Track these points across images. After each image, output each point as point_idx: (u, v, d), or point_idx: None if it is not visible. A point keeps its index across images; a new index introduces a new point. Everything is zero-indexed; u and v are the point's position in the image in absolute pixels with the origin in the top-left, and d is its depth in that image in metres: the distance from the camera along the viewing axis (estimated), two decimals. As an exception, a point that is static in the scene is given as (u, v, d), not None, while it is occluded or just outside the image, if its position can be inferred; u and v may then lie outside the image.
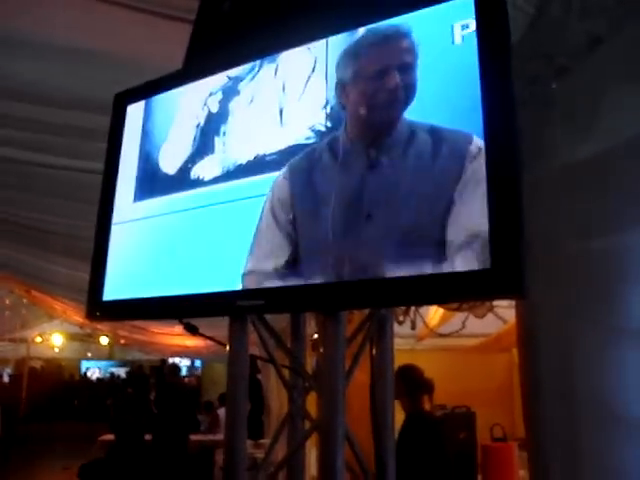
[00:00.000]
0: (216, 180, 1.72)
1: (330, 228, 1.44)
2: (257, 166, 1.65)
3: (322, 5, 1.70)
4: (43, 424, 13.87)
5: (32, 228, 4.09)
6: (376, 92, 1.47)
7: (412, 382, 3.66)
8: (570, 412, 1.44)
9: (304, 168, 1.55)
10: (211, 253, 1.69)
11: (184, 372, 12.84)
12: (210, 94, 1.80)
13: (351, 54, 1.54)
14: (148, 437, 6.90)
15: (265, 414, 6.54)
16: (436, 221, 1.27)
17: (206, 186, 1.74)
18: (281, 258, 1.52)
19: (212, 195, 1.72)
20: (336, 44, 1.59)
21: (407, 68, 1.43)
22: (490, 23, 1.35)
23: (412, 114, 1.40)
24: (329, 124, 1.55)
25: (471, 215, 1.22)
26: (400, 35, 1.46)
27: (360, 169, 1.45)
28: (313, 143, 1.56)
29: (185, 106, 1.88)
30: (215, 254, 1.68)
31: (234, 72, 1.77)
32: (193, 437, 7.24)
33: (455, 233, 1.24)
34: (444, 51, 1.41)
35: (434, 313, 5.14)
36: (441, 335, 5.16)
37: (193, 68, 1.90)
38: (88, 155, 2.72)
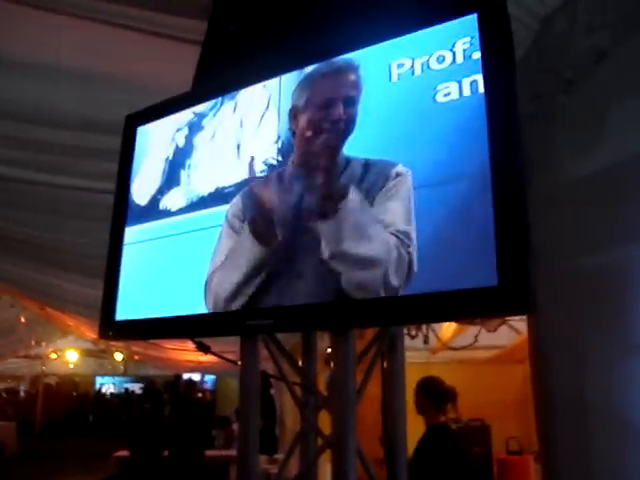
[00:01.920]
0: (181, 211, 1.83)
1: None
2: (216, 198, 1.76)
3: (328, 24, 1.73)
4: (58, 440, 13.89)
5: (44, 246, 4.13)
6: (321, 121, 1.58)
7: (436, 393, 3.66)
8: (582, 426, 1.43)
9: (257, 189, 1.69)
10: (179, 279, 1.78)
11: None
12: (178, 129, 1.92)
13: (306, 82, 1.65)
14: (163, 453, 6.90)
15: (279, 429, 6.53)
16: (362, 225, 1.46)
17: (172, 216, 1.85)
18: None
19: (177, 225, 1.83)
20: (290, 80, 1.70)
21: (351, 102, 1.54)
22: (494, 40, 1.37)
23: (350, 149, 1.53)
24: (280, 158, 1.66)
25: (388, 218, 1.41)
26: (350, 68, 1.57)
27: (300, 190, 1.57)
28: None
29: (156, 140, 1.98)
30: (182, 280, 1.77)
31: (199, 108, 1.88)
32: (209, 452, 7.21)
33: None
34: (382, 88, 1.52)
35: (447, 327, 5.12)
36: (454, 348, 5.14)
37: (200, 90, 1.94)
38: (97, 175, 2.75)
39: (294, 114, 1.65)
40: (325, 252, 1.47)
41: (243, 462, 1.67)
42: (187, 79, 1.98)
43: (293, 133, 1.65)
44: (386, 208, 1.42)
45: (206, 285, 1.69)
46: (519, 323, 4.98)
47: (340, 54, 1.61)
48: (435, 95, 1.42)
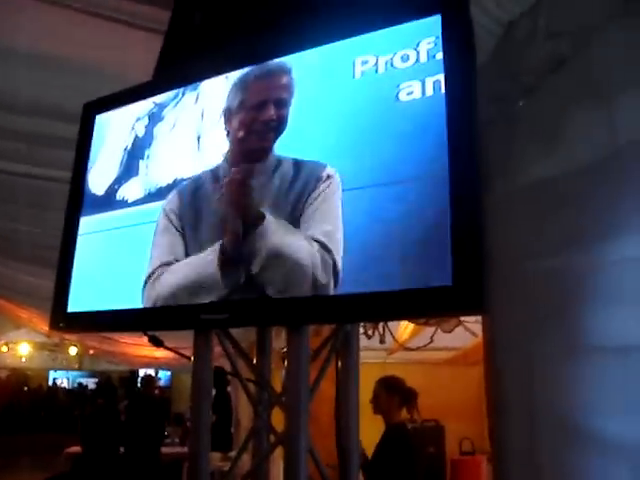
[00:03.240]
0: (138, 202, 1.80)
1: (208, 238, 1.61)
2: (174, 189, 1.74)
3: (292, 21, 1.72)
4: (7, 436, 13.54)
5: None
6: (253, 122, 1.62)
7: (403, 392, 3.69)
8: (531, 427, 1.45)
9: (191, 189, 1.70)
10: (133, 271, 1.74)
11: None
12: (138, 119, 1.89)
13: (240, 84, 1.68)
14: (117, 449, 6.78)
15: (234, 427, 6.50)
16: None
17: (129, 207, 1.82)
18: (179, 252, 1.65)
19: (134, 216, 1.80)
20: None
21: (282, 103, 1.58)
22: (456, 42, 1.38)
23: (280, 149, 1.56)
24: None
25: (315, 221, 1.43)
26: (282, 71, 1.62)
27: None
28: None
29: (115, 129, 1.94)
30: (137, 273, 1.73)
31: (160, 98, 1.86)
32: (163, 450, 7.12)
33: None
34: (345, 85, 1.52)
35: (404, 328, 5.15)
36: (409, 349, 5.18)
37: (162, 80, 1.91)
38: (52, 163, 2.69)
39: (228, 115, 1.68)
40: (255, 267, 1.48)
41: (194, 459, 1.65)
42: (148, 69, 1.94)
43: (227, 133, 1.67)
44: (316, 212, 1.45)
45: (146, 281, 1.68)
46: (475, 325, 5.03)
47: (294, 52, 1.63)
48: (398, 93, 1.42)
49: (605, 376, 1.29)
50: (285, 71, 1.61)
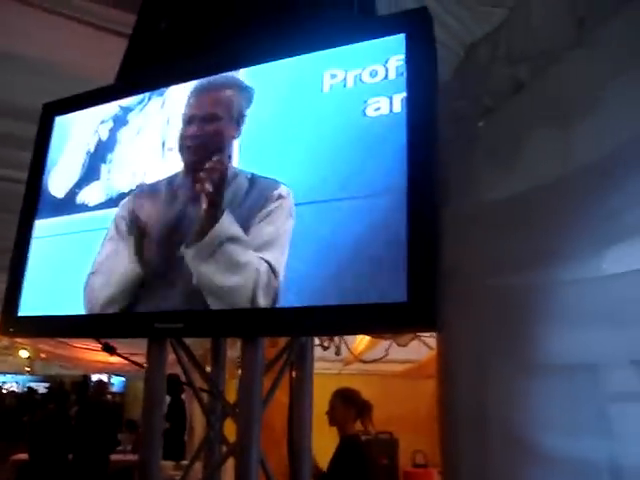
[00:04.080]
0: (99, 206, 1.78)
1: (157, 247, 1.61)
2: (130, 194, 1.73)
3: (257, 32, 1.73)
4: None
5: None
6: (185, 137, 1.64)
7: (359, 404, 3.70)
8: (482, 441, 1.47)
9: (146, 194, 1.70)
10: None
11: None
12: (102, 122, 1.87)
13: (187, 98, 1.70)
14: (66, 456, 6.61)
15: (188, 435, 6.41)
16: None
17: (89, 211, 1.80)
18: (119, 259, 1.65)
19: (94, 220, 1.78)
20: None
21: (211, 119, 1.60)
22: (419, 60, 1.40)
23: (242, 162, 1.56)
24: None
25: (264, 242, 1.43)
26: (222, 86, 1.63)
27: (185, 199, 1.61)
28: None
29: (77, 131, 1.92)
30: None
31: (125, 102, 1.84)
32: (114, 457, 6.97)
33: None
34: (313, 98, 1.53)
35: (360, 340, 5.16)
36: (364, 362, 5.18)
37: (126, 84, 1.89)
38: (6, 163, 2.63)
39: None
40: (194, 279, 1.49)
41: (144, 467, 1.62)
42: (111, 71, 1.92)
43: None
44: (262, 232, 1.45)
45: (85, 285, 1.67)
46: (431, 339, 5.05)
47: (260, 63, 1.63)
48: (365, 109, 1.43)
49: (554, 393, 1.32)
50: (228, 85, 1.61)
